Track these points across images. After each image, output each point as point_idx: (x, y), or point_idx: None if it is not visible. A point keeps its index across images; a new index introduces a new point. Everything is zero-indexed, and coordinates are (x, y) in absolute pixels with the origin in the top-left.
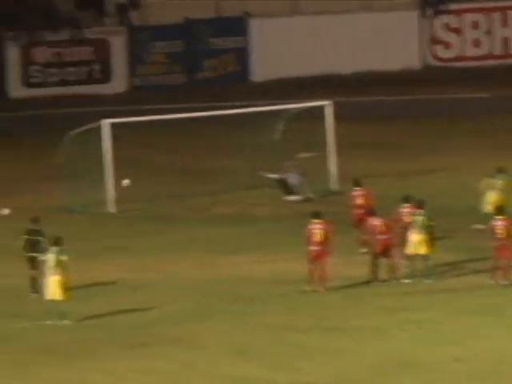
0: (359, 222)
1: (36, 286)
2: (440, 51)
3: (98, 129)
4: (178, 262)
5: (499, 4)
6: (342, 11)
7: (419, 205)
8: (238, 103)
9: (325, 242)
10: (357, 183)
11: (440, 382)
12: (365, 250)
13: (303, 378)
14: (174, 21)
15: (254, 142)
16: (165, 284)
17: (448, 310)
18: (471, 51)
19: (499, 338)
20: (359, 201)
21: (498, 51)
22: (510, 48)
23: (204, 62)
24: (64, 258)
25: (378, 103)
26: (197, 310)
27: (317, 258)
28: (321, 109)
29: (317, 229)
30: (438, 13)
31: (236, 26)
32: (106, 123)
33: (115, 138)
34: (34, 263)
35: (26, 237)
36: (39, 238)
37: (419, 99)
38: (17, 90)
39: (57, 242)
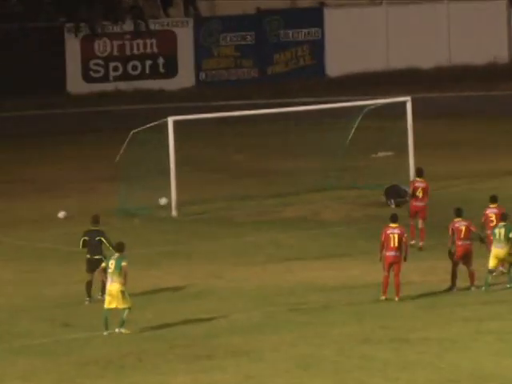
0: (415, 214)
1: (90, 291)
2: None
3: (163, 127)
4: (243, 268)
5: None
6: (421, 1)
7: (502, 217)
8: (311, 99)
9: (400, 247)
10: (419, 173)
11: None
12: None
13: None
14: (245, 11)
15: (327, 141)
16: (230, 292)
17: None
18: None
19: None
20: (419, 193)
21: None
22: None
23: (276, 56)
24: (125, 264)
25: (459, 99)
26: (263, 320)
27: (393, 264)
28: (398, 105)
29: (395, 233)
30: None
31: (311, 16)
32: (170, 120)
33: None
34: (93, 266)
35: (86, 238)
36: (99, 238)
37: (505, 95)
38: (77, 85)
39: (119, 247)
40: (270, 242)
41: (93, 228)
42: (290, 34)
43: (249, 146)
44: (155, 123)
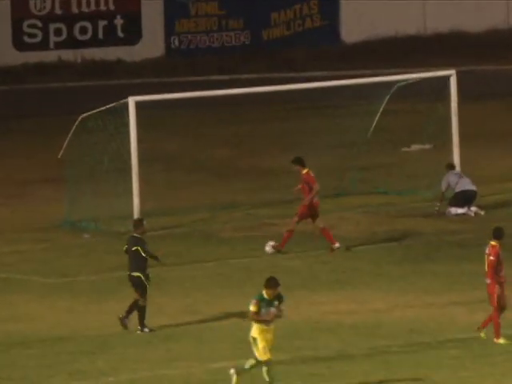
0: None
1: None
2: None
3: (121, 110)
4: (229, 300)
5: None
6: None
7: None
8: (321, 73)
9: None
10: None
11: None
12: None
13: None
14: None
15: (343, 129)
16: (211, 333)
17: None
18: None
19: None
20: None
21: None
22: None
23: (274, 15)
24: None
25: None
26: (256, 372)
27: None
28: (439, 81)
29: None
30: None
31: None
32: (132, 101)
33: None
34: (133, 285)
35: (126, 246)
36: (136, 248)
37: None
38: (5, 54)
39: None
40: (265, 265)
41: (133, 234)
42: None
43: (236, 137)
44: (111, 105)
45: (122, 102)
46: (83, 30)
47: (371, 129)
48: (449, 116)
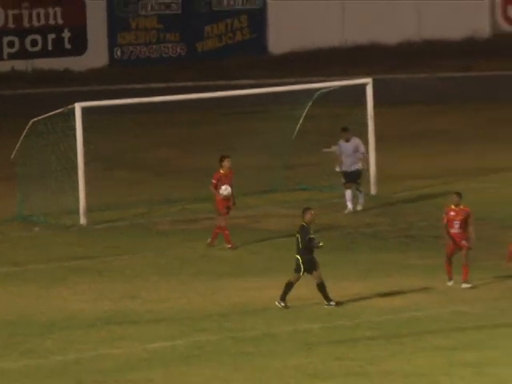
0: None
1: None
2: None
3: (69, 115)
4: (166, 287)
5: None
6: None
7: None
8: (250, 81)
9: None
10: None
11: None
12: None
13: None
14: None
15: (269, 132)
16: (149, 316)
17: None
18: None
19: None
20: None
21: None
22: None
23: (207, 28)
24: None
25: (430, 81)
26: (190, 351)
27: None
28: (357, 89)
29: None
30: None
31: None
32: (78, 107)
33: None
34: None
35: None
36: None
37: (487, 76)
38: None
39: None
40: (199, 256)
41: None
42: (225, 2)
43: (174, 139)
44: (59, 110)
45: (69, 107)
46: (34, 43)
47: (295, 131)
48: (365, 120)
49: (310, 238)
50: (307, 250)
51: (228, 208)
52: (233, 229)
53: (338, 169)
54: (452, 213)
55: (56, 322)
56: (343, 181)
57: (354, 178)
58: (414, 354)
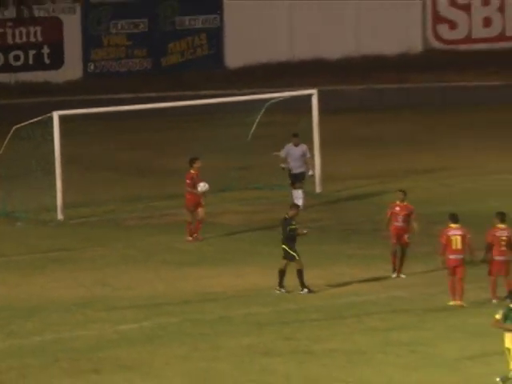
0: None
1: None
2: (444, 32)
3: (47, 122)
4: (133, 275)
5: None
6: None
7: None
8: (209, 92)
9: (464, 249)
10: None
11: None
12: None
13: None
14: None
15: (227, 137)
16: (118, 301)
17: (442, 329)
18: (480, 32)
19: (498, 364)
20: None
21: (511, 32)
22: None
23: (171, 45)
24: None
25: (368, 92)
26: (155, 332)
27: (457, 268)
28: (304, 99)
29: (457, 234)
30: None
31: (209, 2)
32: (56, 115)
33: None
34: None
35: None
36: None
37: (419, 87)
38: None
39: None
40: (163, 248)
41: None
42: (187, 22)
43: (141, 143)
44: (39, 118)
45: (48, 115)
46: (16, 58)
47: (249, 136)
48: (311, 126)
49: (290, 229)
50: (290, 239)
51: (198, 205)
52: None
53: (282, 165)
54: (397, 208)
55: (36, 307)
56: (290, 181)
57: (299, 179)
58: (354, 334)
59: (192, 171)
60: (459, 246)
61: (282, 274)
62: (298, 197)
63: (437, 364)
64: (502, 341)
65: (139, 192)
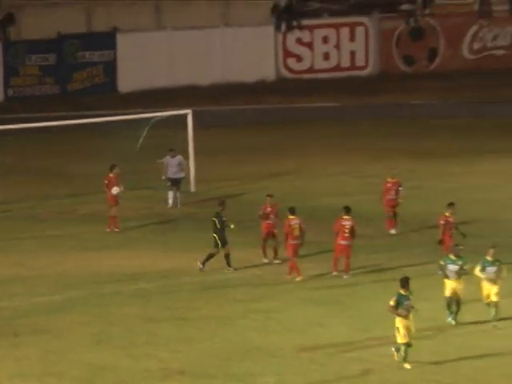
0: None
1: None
2: (293, 64)
3: None
4: (46, 258)
5: (347, 20)
6: (201, 26)
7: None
8: (105, 112)
9: (301, 235)
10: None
11: (284, 368)
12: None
13: (159, 364)
14: (47, 35)
15: (121, 147)
16: (33, 279)
17: (292, 300)
18: (321, 64)
19: (336, 326)
20: None
21: (345, 64)
22: (357, 61)
23: (74, 74)
24: None
25: (232, 112)
26: (63, 303)
27: (297, 250)
28: (182, 117)
29: (296, 224)
30: (291, 28)
31: (105, 40)
32: None
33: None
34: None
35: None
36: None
37: (273, 108)
38: None
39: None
40: (70, 236)
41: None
42: (87, 56)
43: (53, 153)
44: None
45: None
46: None
47: (137, 147)
48: (187, 139)
49: (223, 221)
50: (221, 230)
51: (117, 201)
52: (94, 216)
53: (163, 177)
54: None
55: None
56: (168, 184)
57: (177, 184)
58: (221, 303)
59: (110, 175)
60: (297, 232)
61: (210, 256)
62: (169, 196)
63: (288, 328)
64: (341, 309)
65: (52, 191)
